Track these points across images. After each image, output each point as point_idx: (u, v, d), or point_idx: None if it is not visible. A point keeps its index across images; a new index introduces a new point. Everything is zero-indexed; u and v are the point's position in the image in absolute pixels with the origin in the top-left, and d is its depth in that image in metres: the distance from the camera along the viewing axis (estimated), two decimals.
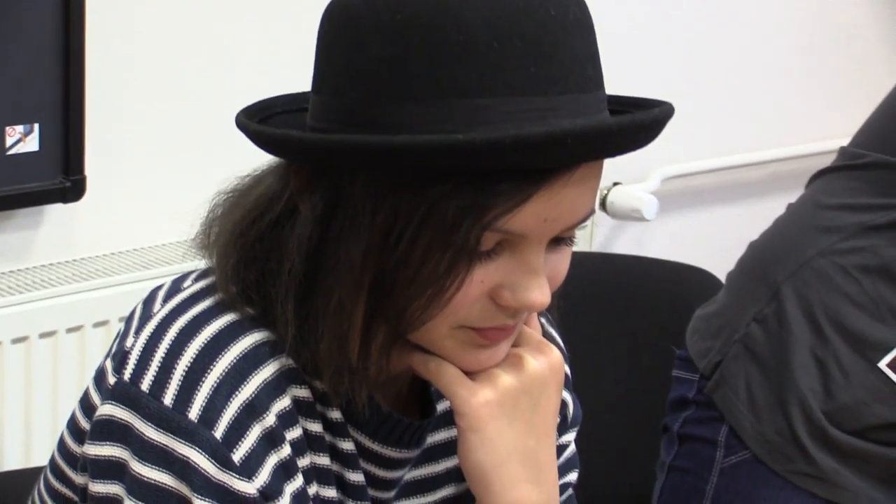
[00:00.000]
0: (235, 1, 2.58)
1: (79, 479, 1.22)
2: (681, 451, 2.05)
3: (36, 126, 2.24)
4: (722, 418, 1.99)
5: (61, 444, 1.26)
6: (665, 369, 2.13)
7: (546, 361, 1.24)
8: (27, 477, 1.47)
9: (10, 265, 2.33)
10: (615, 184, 3.07)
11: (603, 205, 3.06)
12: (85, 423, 1.20)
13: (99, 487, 1.16)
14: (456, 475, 1.35)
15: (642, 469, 2.18)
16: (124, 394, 1.14)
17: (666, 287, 2.40)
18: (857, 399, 1.94)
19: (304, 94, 1.26)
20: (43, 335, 2.23)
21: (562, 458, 1.36)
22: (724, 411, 1.99)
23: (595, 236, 3.10)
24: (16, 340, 2.19)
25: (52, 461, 1.29)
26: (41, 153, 2.25)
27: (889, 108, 2.02)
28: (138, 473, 1.12)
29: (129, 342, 1.19)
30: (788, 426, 1.95)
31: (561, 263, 1.17)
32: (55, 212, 2.36)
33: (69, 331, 2.26)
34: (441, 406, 1.31)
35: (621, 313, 2.39)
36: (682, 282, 2.35)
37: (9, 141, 2.21)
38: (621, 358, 2.35)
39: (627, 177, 3.07)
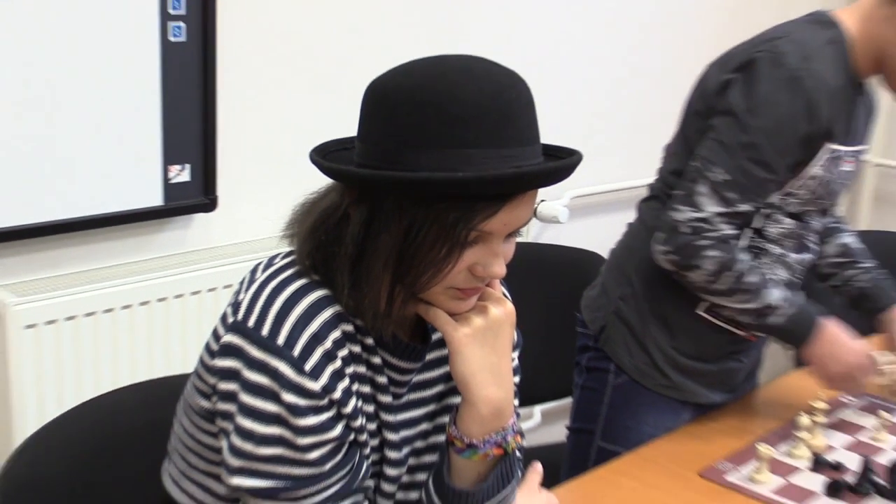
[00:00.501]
0: (338, 52, 2.71)
1: (210, 380, 1.36)
2: (587, 378, 2.22)
3: (188, 165, 2.47)
4: (610, 358, 2.16)
5: (200, 359, 1.42)
6: (574, 319, 2.28)
7: (503, 310, 1.40)
8: (181, 381, 1.52)
9: (173, 251, 2.54)
10: (542, 200, 3.27)
11: (535, 213, 3.18)
12: (214, 346, 1.36)
13: (222, 386, 1.32)
14: (444, 379, 1.52)
15: (560, 380, 2.40)
16: (237, 328, 1.32)
17: (573, 265, 2.57)
18: (690, 336, 2.10)
19: (347, 139, 1.40)
20: (192, 293, 2.44)
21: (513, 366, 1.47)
22: (610, 355, 2.16)
23: (529, 233, 3.25)
24: (177, 297, 2.41)
25: (195, 370, 1.44)
26: (191, 182, 2.49)
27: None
28: (247, 378, 1.29)
29: (241, 296, 1.36)
30: (651, 360, 2.13)
31: (511, 249, 1.37)
32: (199, 218, 2.57)
33: (208, 291, 2.46)
34: (435, 336, 1.47)
35: (546, 281, 2.60)
36: (583, 261, 2.47)
37: (171, 174, 2.45)
38: (547, 309, 2.52)
39: (549, 195, 3.29)
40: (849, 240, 2.26)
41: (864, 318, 2.14)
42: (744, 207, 1.95)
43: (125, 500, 1.68)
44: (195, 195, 2.55)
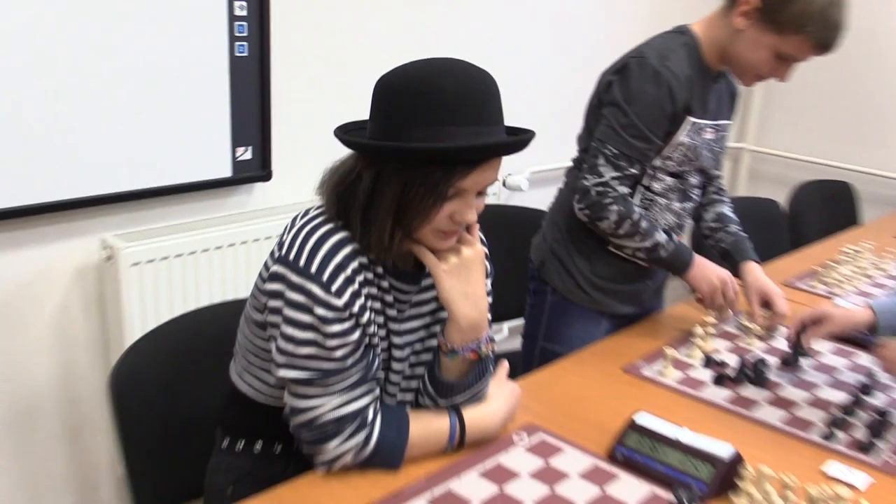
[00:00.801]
0: (356, 60, 2.71)
1: (262, 299, 1.38)
2: (533, 299, 2.21)
3: (250, 147, 2.46)
4: (547, 283, 2.15)
5: (255, 284, 1.44)
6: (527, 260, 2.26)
7: (474, 250, 1.40)
8: (243, 302, 1.53)
9: (239, 210, 2.54)
10: (509, 174, 3.26)
11: (504, 183, 3.23)
12: (265, 274, 1.38)
13: (271, 303, 1.34)
14: (436, 299, 1.50)
15: (520, 303, 2.31)
16: (282, 260, 1.32)
17: (530, 221, 2.43)
18: (604, 265, 2.09)
19: (362, 120, 1.40)
20: (253, 241, 2.42)
21: (487, 291, 1.47)
22: (548, 281, 2.15)
23: (500, 198, 3.23)
24: (242, 243, 2.40)
25: (252, 293, 1.46)
26: (252, 159, 2.48)
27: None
28: (288, 297, 1.31)
29: (284, 237, 1.36)
30: (576, 283, 2.12)
31: (482, 203, 1.37)
32: (259, 186, 2.57)
33: (265, 239, 2.43)
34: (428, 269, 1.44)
35: (511, 233, 2.55)
36: (537, 218, 2.31)
37: (238, 154, 2.44)
38: (512, 253, 2.47)
39: (514, 170, 3.27)
40: (724, 209, 2.25)
41: (729, 268, 2.13)
42: (632, 171, 1.98)
43: (204, 389, 1.68)
44: (255, 169, 2.53)
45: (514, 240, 2.51)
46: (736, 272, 2.14)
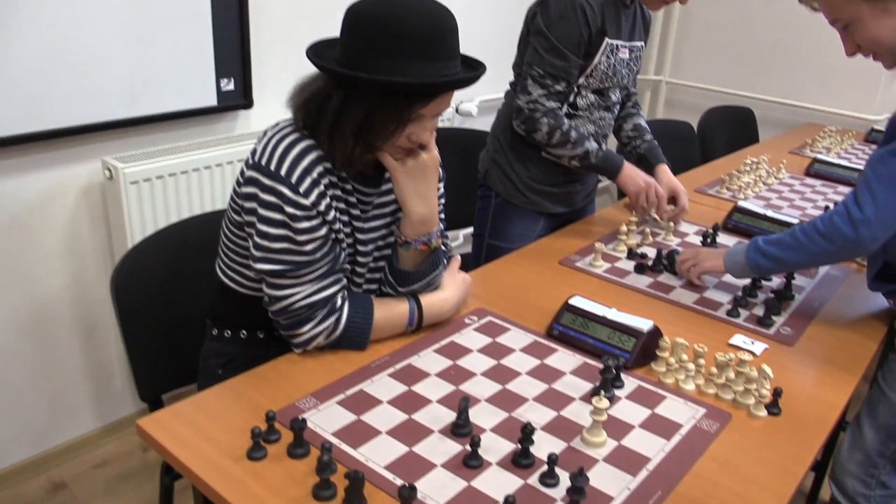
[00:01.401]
0: None
1: (239, 201, 1.32)
2: (479, 203, 2.17)
3: (233, 78, 2.35)
4: (491, 188, 2.11)
5: (233, 188, 1.37)
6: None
7: (430, 156, 1.34)
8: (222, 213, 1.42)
9: (225, 134, 2.42)
10: (461, 102, 3.18)
11: (457, 110, 3.16)
12: (241, 179, 1.31)
13: (247, 205, 1.28)
14: (396, 202, 1.43)
15: (471, 212, 2.25)
16: (254, 165, 1.26)
17: (480, 142, 2.30)
18: (540, 170, 2.05)
19: (332, 39, 1.30)
20: (238, 161, 2.31)
21: (438, 194, 1.43)
22: (492, 186, 2.11)
23: (454, 122, 3.15)
24: (228, 163, 2.30)
25: (230, 197, 1.42)
26: (235, 90, 2.37)
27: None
28: (261, 198, 1.25)
29: (257, 146, 1.29)
30: (516, 187, 2.08)
31: (436, 124, 1.32)
32: (242, 113, 2.45)
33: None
34: (388, 174, 1.41)
35: (463, 151, 2.47)
36: (484, 139, 2.19)
37: (222, 84, 2.33)
38: (464, 168, 2.40)
39: (465, 98, 3.20)
40: (640, 121, 2.22)
41: (645, 170, 2.09)
42: (558, 88, 1.94)
43: (195, 286, 1.63)
44: (238, 98, 2.43)
45: (466, 159, 2.44)
46: (651, 173, 2.13)
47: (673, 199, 2.11)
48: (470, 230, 2.98)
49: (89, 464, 2.38)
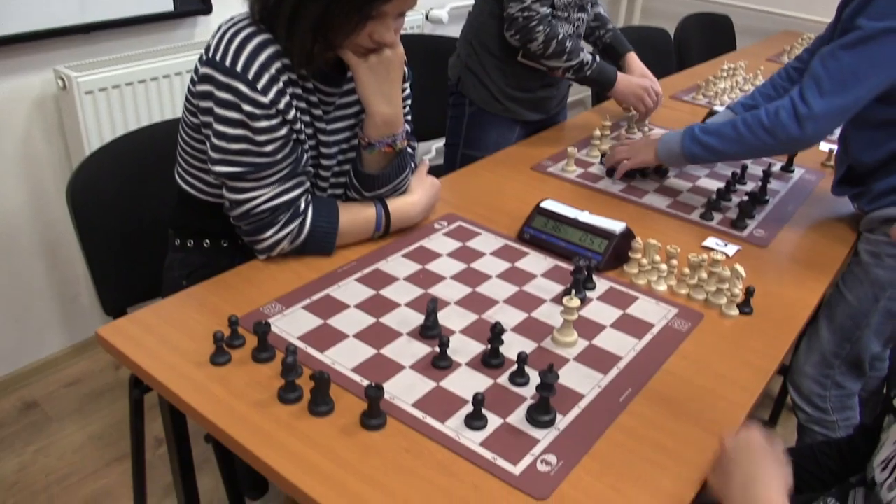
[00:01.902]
0: None
1: (194, 101, 1.25)
2: (452, 111, 2.10)
3: None
4: (465, 96, 2.04)
5: (188, 88, 1.30)
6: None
7: (395, 52, 1.26)
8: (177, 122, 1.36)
9: (183, 42, 2.32)
10: (431, 9, 3.08)
11: (427, 17, 3.06)
12: (195, 77, 1.24)
13: (202, 104, 1.22)
14: (360, 102, 1.35)
15: (442, 120, 2.19)
16: (208, 62, 1.20)
17: (451, 49, 2.16)
18: (515, 76, 1.98)
19: None
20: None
21: (404, 94, 1.40)
22: (465, 94, 2.04)
23: (424, 29, 3.03)
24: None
25: (185, 98, 1.31)
26: None
27: None
28: (217, 96, 1.19)
29: (211, 41, 1.22)
30: (491, 94, 2.01)
31: (401, 25, 1.25)
32: (201, 19, 2.34)
33: None
34: (350, 73, 1.33)
35: (434, 58, 2.38)
36: (454, 45, 2.10)
37: None
38: (436, 75, 2.32)
39: (436, 6, 3.10)
40: (600, 10, 2.14)
41: (611, 61, 2.05)
42: None
43: (156, 197, 1.57)
44: (195, 3, 2.31)
45: (438, 67, 2.34)
46: (618, 63, 2.09)
47: None
48: (443, 141, 2.91)
49: (60, 383, 2.37)
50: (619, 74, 1.97)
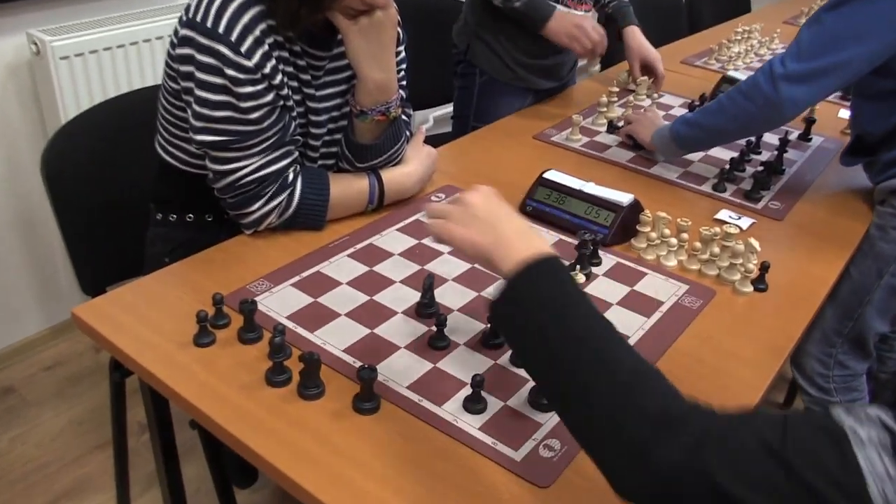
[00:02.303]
0: None
1: (174, 66, 1.24)
2: (461, 81, 2.08)
3: None
4: (475, 65, 2.03)
5: (167, 52, 1.28)
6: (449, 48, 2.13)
7: (387, 13, 1.24)
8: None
9: (166, 3, 2.28)
10: None
11: None
12: (175, 40, 1.23)
13: (183, 69, 1.21)
14: (351, 67, 1.31)
15: (445, 90, 2.26)
16: (188, 23, 1.18)
17: (451, 10, 2.30)
18: (528, 42, 1.95)
19: None
20: None
21: (398, 58, 1.38)
22: (475, 63, 2.03)
23: None
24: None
25: (165, 62, 1.30)
26: None
27: None
28: (199, 60, 1.17)
29: (191, 2, 1.20)
30: (503, 62, 1.99)
31: None
32: None
33: None
34: (340, 36, 1.29)
35: (433, 21, 2.37)
36: (456, 6, 2.22)
37: None
38: (435, 40, 2.31)
39: None
40: None
41: (612, 34, 2.00)
42: None
43: (135, 168, 1.55)
44: None
45: (433, 28, 2.34)
46: (620, 36, 2.05)
47: (648, 70, 2.05)
48: (442, 110, 2.90)
49: (38, 366, 2.36)
50: (558, 12, 1.88)
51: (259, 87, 1.19)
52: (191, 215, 1.41)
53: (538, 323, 0.76)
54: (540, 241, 0.86)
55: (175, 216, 1.42)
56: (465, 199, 0.94)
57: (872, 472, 0.59)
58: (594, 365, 0.71)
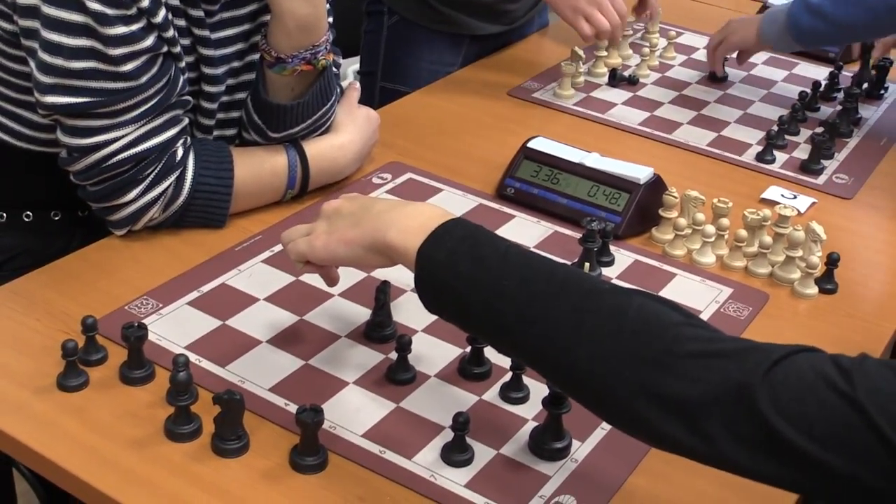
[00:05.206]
0: None
1: (19, 20, 1.24)
2: (367, 22, 2.13)
3: None
4: (383, 2, 2.04)
5: None
6: None
7: None
8: None
9: None
10: None
11: None
12: None
13: (21, 2, 1.21)
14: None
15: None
16: None
17: None
18: None
19: None
20: None
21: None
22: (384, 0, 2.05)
23: None
24: None
25: None
26: None
27: None
28: (47, 14, 1.19)
29: None
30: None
31: None
32: None
33: None
34: None
35: None
36: None
37: None
38: None
39: None
40: None
41: None
42: None
43: None
44: None
45: None
46: None
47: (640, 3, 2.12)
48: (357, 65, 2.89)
49: None
50: None
51: (134, 26, 1.22)
52: (29, 213, 1.43)
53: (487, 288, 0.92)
54: (424, 205, 1.03)
55: (6, 215, 1.44)
56: (323, 208, 1.10)
57: None
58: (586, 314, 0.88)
